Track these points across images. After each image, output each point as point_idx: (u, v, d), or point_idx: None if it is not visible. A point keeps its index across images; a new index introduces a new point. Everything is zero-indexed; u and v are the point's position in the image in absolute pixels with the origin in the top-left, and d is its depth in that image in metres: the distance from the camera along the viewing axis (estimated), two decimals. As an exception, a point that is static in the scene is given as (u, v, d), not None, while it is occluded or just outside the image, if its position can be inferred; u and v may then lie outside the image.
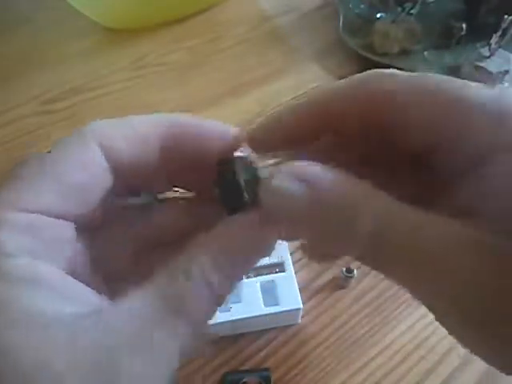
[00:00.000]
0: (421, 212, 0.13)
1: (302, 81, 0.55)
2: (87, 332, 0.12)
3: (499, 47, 0.48)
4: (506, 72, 0.48)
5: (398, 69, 0.15)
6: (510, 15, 0.47)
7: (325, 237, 0.14)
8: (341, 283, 0.36)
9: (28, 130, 0.51)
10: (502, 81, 0.49)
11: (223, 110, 0.52)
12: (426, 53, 0.55)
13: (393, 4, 0.57)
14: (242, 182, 0.16)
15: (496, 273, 0.11)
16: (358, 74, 0.16)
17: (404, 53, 0.54)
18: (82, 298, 0.14)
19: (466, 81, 0.15)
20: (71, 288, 0.14)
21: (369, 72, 0.16)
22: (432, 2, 0.62)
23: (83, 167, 0.15)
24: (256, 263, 0.16)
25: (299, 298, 0.33)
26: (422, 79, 0.15)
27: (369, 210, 0.13)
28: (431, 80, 0.14)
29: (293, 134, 0.17)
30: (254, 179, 0.16)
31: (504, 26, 0.47)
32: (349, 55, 0.57)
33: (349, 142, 0.17)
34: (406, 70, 0.15)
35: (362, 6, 0.62)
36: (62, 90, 0.56)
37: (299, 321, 0.35)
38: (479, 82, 0.50)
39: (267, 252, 0.16)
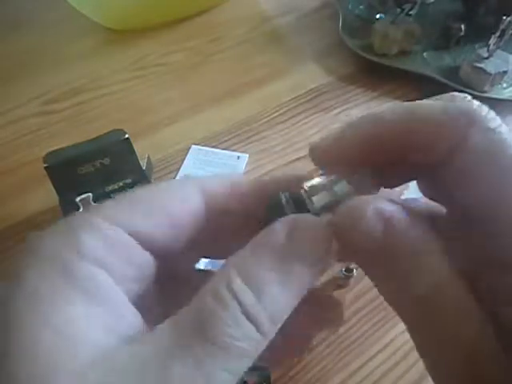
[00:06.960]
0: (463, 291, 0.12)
1: (302, 81, 0.56)
2: (119, 361, 0.12)
3: (498, 48, 0.49)
4: (505, 73, 0.48)
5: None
6: (508, 16, 0.47)
7: (381, 276, 0.14)
8: (340, 283, 0.37)
9: (29, 130, 0.51)
10: (500, 81, 0.49)
11: (223, 110, 0.52)
12: (424, 54, 0.55)
13: (392, 5, 0.57)
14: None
15: None
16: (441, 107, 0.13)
17: (403, 53, 0.54)
18: (128, 320, 0.13)
19: None
20: (121, 308, 0.13)
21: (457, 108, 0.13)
22: (431, 3, 0.62)
23: (182, 200, 0.15)
24: (302, 285, 0.13)
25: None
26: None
27: (424, 272, 0.12)
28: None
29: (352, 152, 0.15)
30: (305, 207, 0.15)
31: (502, 26, 0.47)
32: (348, 56, 0.58)
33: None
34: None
35: (362, 6, 0.63)
36: (62, 90, 0.56)
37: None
38: (478, 82, 0.50)
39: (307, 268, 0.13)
